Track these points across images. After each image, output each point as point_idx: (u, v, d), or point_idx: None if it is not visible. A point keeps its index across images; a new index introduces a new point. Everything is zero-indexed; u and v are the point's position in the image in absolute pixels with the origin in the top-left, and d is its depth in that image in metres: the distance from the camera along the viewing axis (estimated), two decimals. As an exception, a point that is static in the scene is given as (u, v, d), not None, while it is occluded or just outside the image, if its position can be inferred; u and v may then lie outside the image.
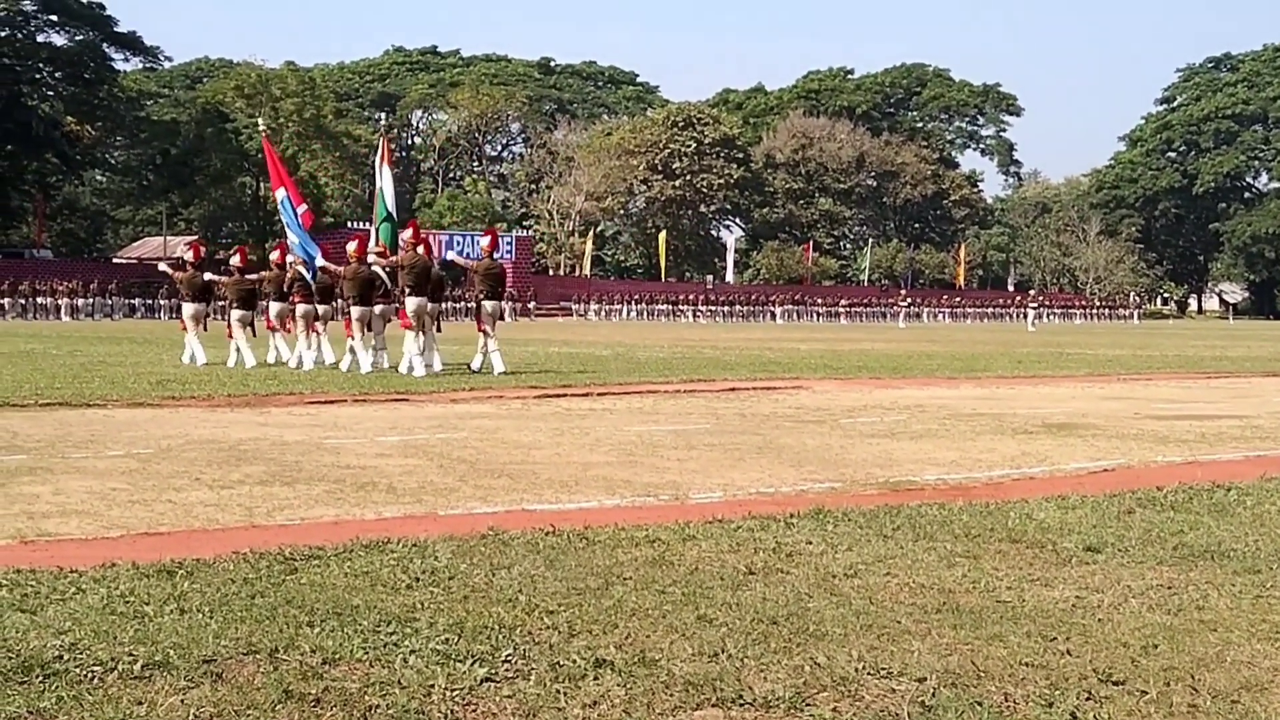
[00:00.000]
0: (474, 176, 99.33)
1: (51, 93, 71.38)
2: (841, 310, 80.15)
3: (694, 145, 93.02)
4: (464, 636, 4.58)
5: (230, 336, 20.79)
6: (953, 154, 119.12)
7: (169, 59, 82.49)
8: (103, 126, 72.32)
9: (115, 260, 79.55)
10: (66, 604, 4.96)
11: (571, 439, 11.18)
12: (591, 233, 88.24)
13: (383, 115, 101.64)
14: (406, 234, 19.84)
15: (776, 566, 5.91)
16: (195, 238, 79.04)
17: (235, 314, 20.64)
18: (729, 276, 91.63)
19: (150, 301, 58.95)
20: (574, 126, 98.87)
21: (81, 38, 68.13)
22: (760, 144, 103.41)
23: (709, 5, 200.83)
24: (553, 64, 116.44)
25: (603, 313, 71.82)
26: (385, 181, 21.41)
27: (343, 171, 79.73)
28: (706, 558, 6.08)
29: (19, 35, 66.70)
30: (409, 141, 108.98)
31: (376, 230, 20.93)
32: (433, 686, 4.05)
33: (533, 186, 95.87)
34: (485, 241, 20.32)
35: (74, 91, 69.49)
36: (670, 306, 74.61)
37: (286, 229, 21.41)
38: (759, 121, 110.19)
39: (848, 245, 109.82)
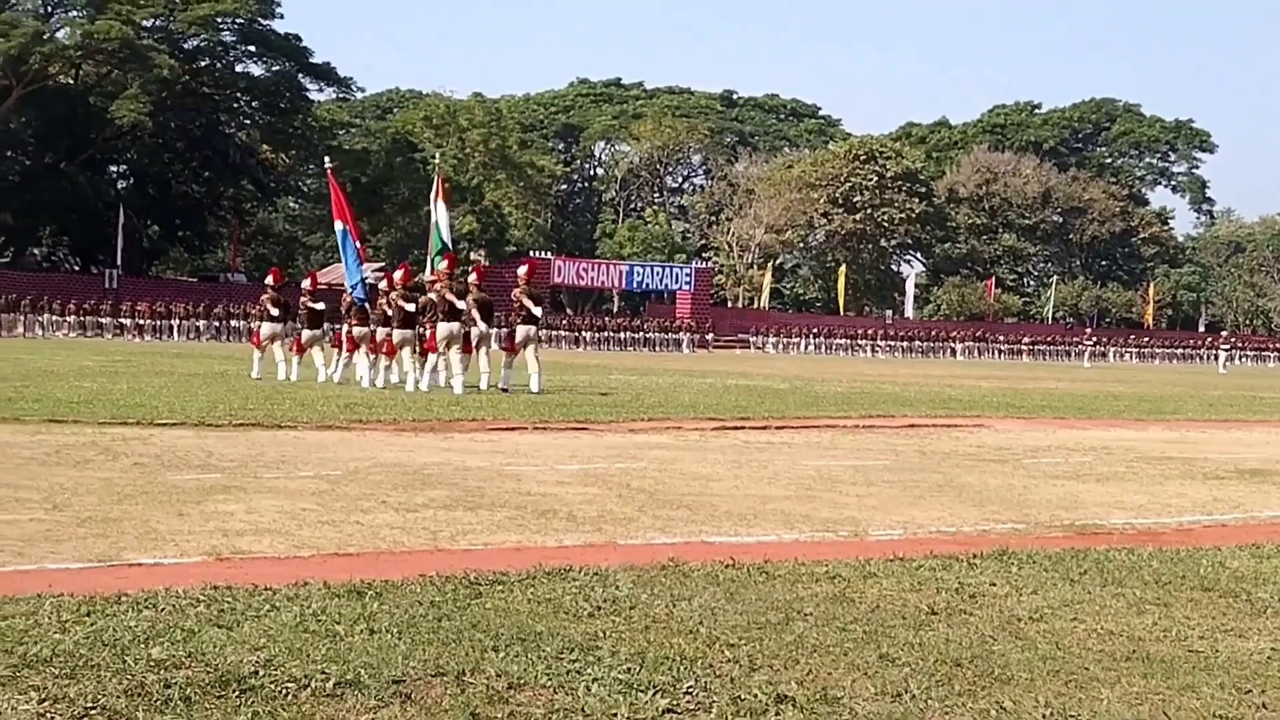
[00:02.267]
0: (654, 207, 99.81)
1: (248, 121, 73.47)
2: (1024, 348, 78.73)
3: (875, 179, 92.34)
4: (645, 666, 4.60)
5: (296, 351, 22.99)
6: (1142, 191, 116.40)
7: (361, 89, 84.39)
8: (296, 155, 74.19)
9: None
10: (261, 621, 5.09)
11: (749, 472, 11.18)
12: (770, 265, 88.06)
13: (565, 145, 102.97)
14: (443, 265, 21.53)
15: (959, 607, 5.83)
16: (383, 264, 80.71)
17: (305, 334, 23.03)
18: (909, 311, 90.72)
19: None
20: (755, 159, 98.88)
21: (278, 68, 70.05)
22: (943, 178, 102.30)
23: (893, 39, 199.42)
24: (735, 96, 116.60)
25: (780, 346, 71.60)
26: (441, 216, 23.53)
27: (526, 201, 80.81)
28: (888, 596, 6.03)
29: (218, 65, 68.84)
30: (591, 172, 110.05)
31: (432, 260, 22.89)
32: (615, 715, 4.08)
33: (712, 218, 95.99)
34: (523, 270, 21.77)
35: (269, 120, 71.43)
36: (849, 341, 74.05)
37: (343, 260, 23.61)
38: (942, 155, 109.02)
39: (1031, 282, 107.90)
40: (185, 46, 66.18)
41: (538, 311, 20.98)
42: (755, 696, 4.31)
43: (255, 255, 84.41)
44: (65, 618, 5.03)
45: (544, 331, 60.95)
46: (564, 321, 65.48)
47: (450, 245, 23.22)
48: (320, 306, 23.19)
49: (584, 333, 63.36)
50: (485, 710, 4.07)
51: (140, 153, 70.35)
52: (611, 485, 9.89)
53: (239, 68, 70.35)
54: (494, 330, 21.19)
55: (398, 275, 21.71)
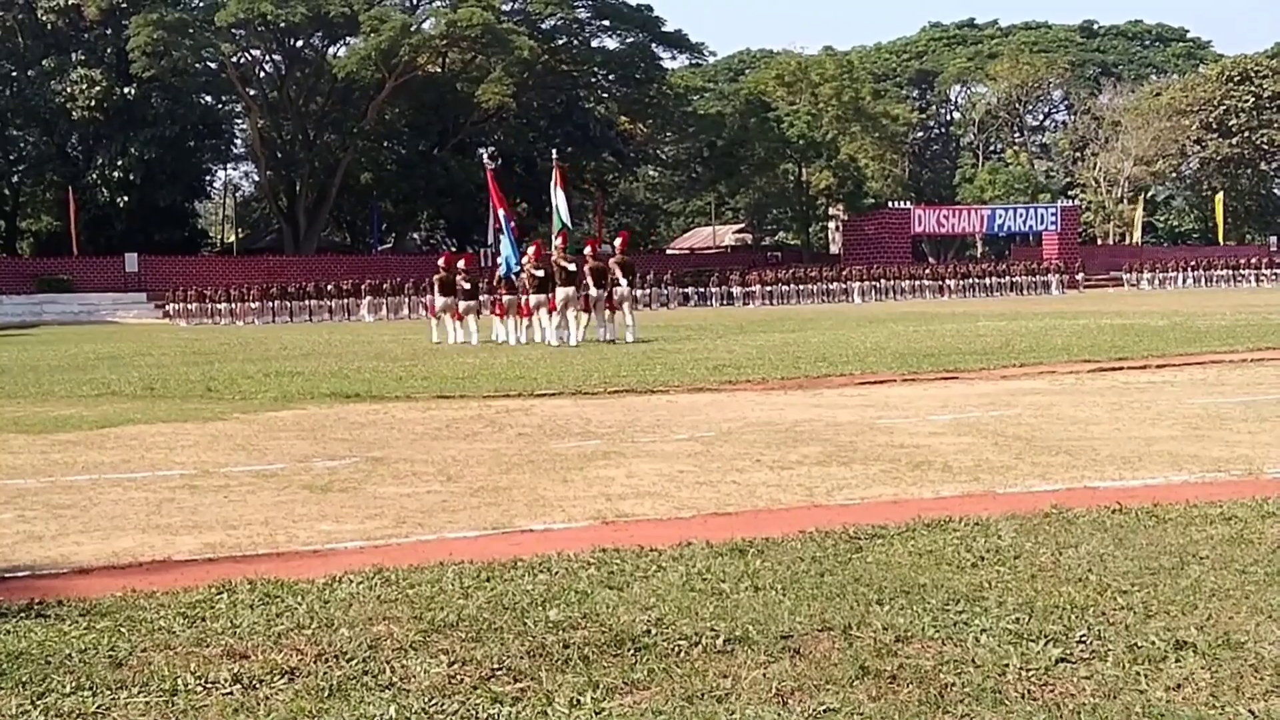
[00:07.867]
0: (1015, 148, 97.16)
1: (606, 95, 75.08)
2: None
3: (1252, 100, 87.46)
4: (1034, 616, 4.53)
5: (455, 318, 26.86)
6: None
7: (713, 54, 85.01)
8: (653, 124, 75.39)
9: (668, 251, 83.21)
10: (649, 581, 5.24)
11: (1131, 413, 10.81)
12: (1141, 198, 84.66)
13: (919, 92, 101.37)
14: (557, 241, 26.19)
15: (1370, 547, 5.52)
16: (743, 225, 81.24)
17: (461, 304, 26.82)
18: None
19: (703, 290, 60.96)
20: (1120, 89, 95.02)
21: (632, 40, 71.26)
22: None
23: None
24: (1095, 26, 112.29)
25: (1156, 281, 68.77)
26: (560, 201, 29.15)
27: (881, 152, 79.92)
28: (1290, 537, 5.76)
29: (574, 42, 70.55)
30: (947, 117, 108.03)
31: (563, 238, 27.19)
32: (1007, 666, 4.03)
33: (1077, 154, 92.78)
34: (619, 241, 26.61)
35: (626, 92, 72.80)
36: (1230, 271, 70.44)
37: (502, 242, 28.01)
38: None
39: None
40: (543, 27, 68.06)
41: (624, 282, 25.13)
42: (1152, 643, 4.19)
43: (619, 225, 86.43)
44: (467, 584, 5.30)
45: (906, 282, 60.62)
46: (926, 271, 64.51)
47: (568, 225, 28.38)
48: (468, 285, 27.15)
49: (947, 280, 62.30)
50: (874, 663, 4.08)
51: (505, 133, 72.85)
52: (986, 434, 9.73)
53: (594, 43, 71.95)
54: (607, 292, 25.07)
55: (530, 251, 25.92)
